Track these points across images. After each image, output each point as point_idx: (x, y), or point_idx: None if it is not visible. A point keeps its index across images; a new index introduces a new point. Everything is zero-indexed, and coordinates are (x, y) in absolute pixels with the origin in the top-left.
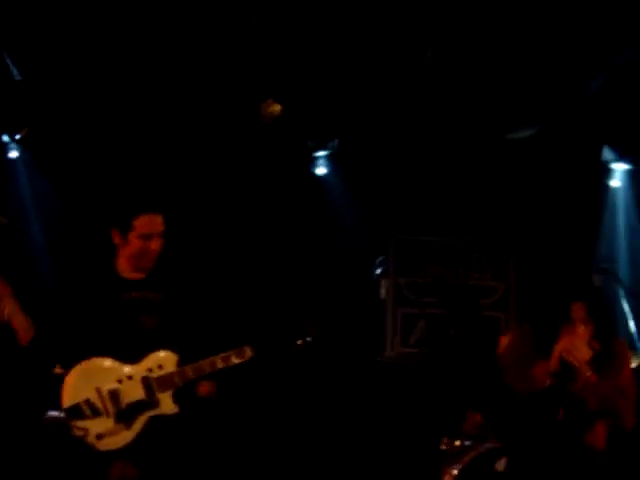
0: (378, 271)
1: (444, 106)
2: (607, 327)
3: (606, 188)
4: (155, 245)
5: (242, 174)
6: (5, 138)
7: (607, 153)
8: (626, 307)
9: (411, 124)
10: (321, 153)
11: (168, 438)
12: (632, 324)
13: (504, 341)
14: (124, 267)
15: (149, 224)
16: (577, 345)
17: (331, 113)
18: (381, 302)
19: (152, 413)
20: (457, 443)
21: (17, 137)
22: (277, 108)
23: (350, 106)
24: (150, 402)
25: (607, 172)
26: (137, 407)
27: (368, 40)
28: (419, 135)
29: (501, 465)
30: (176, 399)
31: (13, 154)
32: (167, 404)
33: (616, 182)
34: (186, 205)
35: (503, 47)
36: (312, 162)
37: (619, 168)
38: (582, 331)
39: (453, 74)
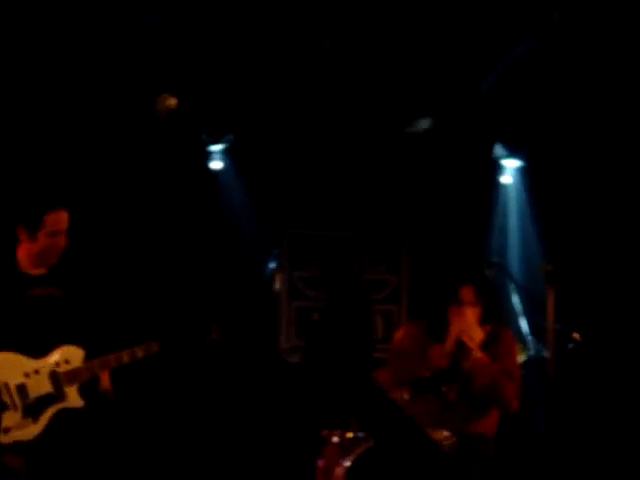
0: (272, 265)
1: (338, 100)
2: (495, 310)
3: (497, 184)
4: (62, 242)
5: (137, 169)
6: None
7: (498, 150)
8: (516, 302)
9: (306, 118)
10: (216, 147)
11: (74, 431)
12: (522, 319)
13: (398, 334)
14: (26, 263)
15: (57, 221)
16: (471, 326)
17: (226, 107)
18: (276, 296)
19: (59, 407)
20: (349, 435)
21: None
22: (172, 102)
23: (246, 100)
24: (57, 396)
25: (498, 169)
26: (44, 401)
27: (263, 33)
28: (314, 129)
29: None
30: (82, 393)
31: None
32: (74, 398)
33: (507, 178)
34: (86, 201)
35: (399, 43)
36: (207, 156)
37: (510, 165)
38: (471, 313)
39: (348, 68)
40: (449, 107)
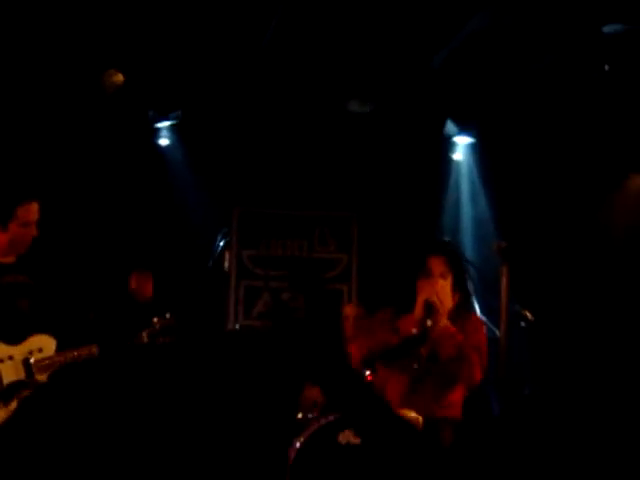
0: (221, 243)
1: (287, 76)
2: (463, 283)
3: (449, 161)
4: (32, 232)
5: (85, 147)
6: None
7: (450, 127)
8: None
9: (255, 95)
10: (164, 124)
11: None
12: (473, 298)
13: (348, 311)
14: None
15: (28, 213)
16: (441, 292)
17: (174, 83)
18: (225, 275)
19: (28, 394)
20: (299, 416)
21: None
22: (119, 78)
23: (193, 76)
24: (28, 383)
25: (450, 145)
26: (16, 387)
27: (210, 7)
28: (262, 107)
29: (345, 438)
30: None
31: None
32: None
33: (459, 155)
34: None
35: (348, 19)
36: (154, 133)
37: (461, 142)
38: (441, 285)
39: (297, 45)
40: (401, 83)
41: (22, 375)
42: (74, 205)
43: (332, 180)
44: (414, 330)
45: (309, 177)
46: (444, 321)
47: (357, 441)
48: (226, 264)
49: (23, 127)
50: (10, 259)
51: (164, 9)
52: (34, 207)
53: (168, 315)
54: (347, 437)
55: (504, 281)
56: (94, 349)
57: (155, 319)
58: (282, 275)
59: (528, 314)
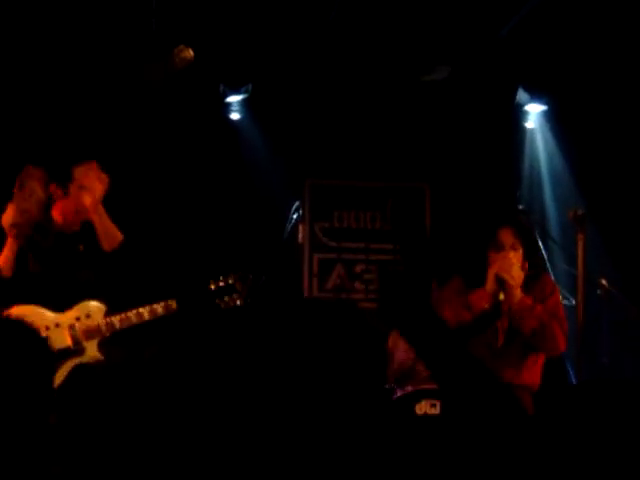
0: (294, 216)
1: (358, 48)
2: (535, 252)
3: (521, 130)
4: (93, 197)
5: (156, 122)
6: None
7: (521, 95)
8: (543, 251)
9: (326, 66)
10: (234, 98)
11: (91, 386)
12: (548, 266)
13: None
14: (60, 220)
15: (85, 174)
16: (512, 266)
17: (244, 57)
18: (299, 248)
19: (77, 361)
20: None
21: None
22: (189, 53)
23: (263, 49)
24: (76, 350)
25: (522, 114)
26: (63, 354)
27: None
28: (334, 77)
29: (422, 409)
30: (101, 348)
31: None
32: (92, 353)
33: (531, 124)
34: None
35: None
36: (225, 107)
37: (534, 110)
38: (512, 256)
39: (368, 13)
40: (470, 53)
41: (69, 342)
42: (145, 179)
43: (404, 150)
44: (486, 305)
45: (380, 148)
46: (518, 294)
47: (435, 412)
48: (300, 237)
49: (94, 96)
50: (76, 227)
51: None
52: (91, 168)
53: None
54: (424, 408)
55: (580, 248)
56: (173, 305)
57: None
58: (355, 247)
59: (604, 282)
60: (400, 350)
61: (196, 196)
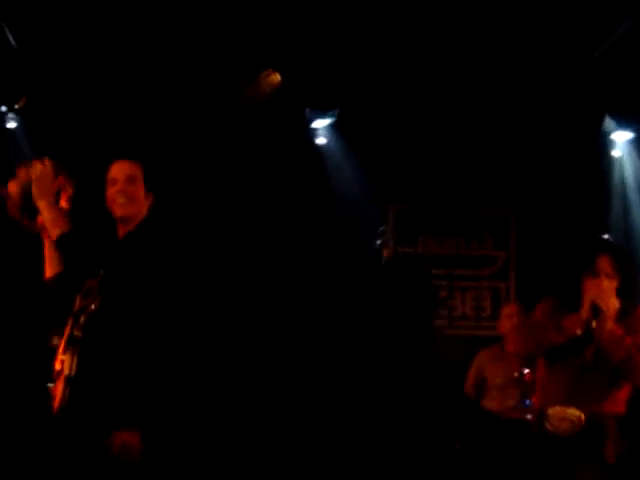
0: (379, 241)
1: (446, 74)
2: (631, 283)
3: (607, 158)
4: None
5: (242, 146)
6: (3, 108)
7: (608, 123)
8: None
9: (411, 91)
10: (321, 122)
11: None
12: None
13: (508, 310)
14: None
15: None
16: (607, 294)
17: (331, 82)
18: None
19: None
20: None
21: (15, 107)
22: (277, 78)
23: (351, 74)
24: None
25: (608, 142)
26: None
27: (368, 4)
28: (420, 103)
29: None
30: None
31: (11, 124)
32: None
33: (617, 152)
34: (187, 178)
35: (506, 14)
36: (311, 132)
37: (621, 138)
38: (607, 284)
39: (454, 44)
40: (558, 79)
41: None
42: (232, 202)
43: (488, 177)
44: (579, 331)
45: (465, 174)
46: (610, 324)
47: None
48: (384, 261)
49: (182, 123)
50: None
51: (318, 8)
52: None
53: None
54: None
55: None
56: None
57: None
58: (439, 273)
59: None
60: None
61: (281, 220)
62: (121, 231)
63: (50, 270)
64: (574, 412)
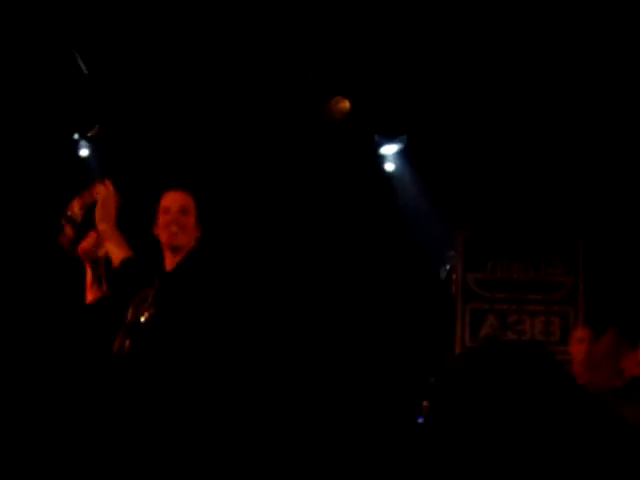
0: (447, 267)
1: (511, 98)
2: None
3: None
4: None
5: (311, 173)
6: (76, 136)
7: None
8: None
9: (479, 119)
10: (389, 149)
11: None
12: None
13: (578, 334)
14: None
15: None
16: None
17: (400, 108)
18: (451, 298)
19: None
20: None
21: (88, 135)
22: (346, 104)
23: (420, 100)
24: None
25: None
26: None
27: (437, 32)
28: (487, 130)
29: None
30: None
31: (84, 152)
32: None
33: None
34: (256, 205)
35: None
36: (380, 158)
37: None
38: None
39: (521, 68)
40: (624, 101)
41: None
42: (299, 229)
43: (556, 201)
44: (637, 371)
45: (533, 199)
46: None
47: None
48: (453, 287)
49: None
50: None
51: (388, 35)
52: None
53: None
54: None
55: None
56: None
57: None
58: (508, 297)
59: None
60: None
61: (350, 247)
62: (168, 260)
63: (90, 295)
64: None
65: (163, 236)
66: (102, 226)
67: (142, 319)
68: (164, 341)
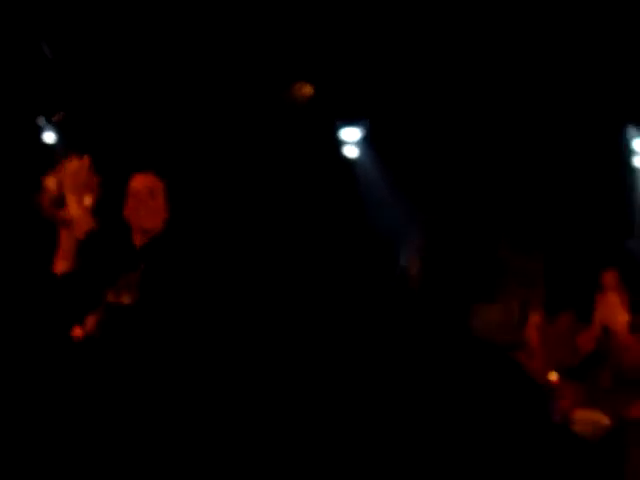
0: (408, 253)
1: (467, 81)
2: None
3: (630, 167)
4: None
5: (271, 157)
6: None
7: (630, 131)
8: None
9: (439, 102)
10: (351, 134)
11: None
12: None
13: (532, 320)
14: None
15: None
16: (614, 311)
17: (361, 94)
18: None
19: None
20: None
21: (53, 120)
22: (308, 90)
23: (381, 86)
24: None
25: (629, 151)
26: None
27: (402, 21)
28: (447, 117)
29: None
30: None
31: (49, 137)
32: None
33: (638, 161)
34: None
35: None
36: (342, 144)
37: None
38: (615, 298)
39: (481, 60)
40: (580, 88)
41: None
42: (259, 216)
43: (515, 186)
44: (592, 348)
45: (494, 182)
46: (622, 335)
47: None
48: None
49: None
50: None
51: (352, 23)
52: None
53: None
54: None
55: None
56: None
57: None
58: None
59: None
60: None
61: (311, 232)
62: (137, 241)
63: (61, 264)
64: (600, 416)
65: (131, 218)
66: (70, 197)
67: (125, 303)
68: (149, 326)
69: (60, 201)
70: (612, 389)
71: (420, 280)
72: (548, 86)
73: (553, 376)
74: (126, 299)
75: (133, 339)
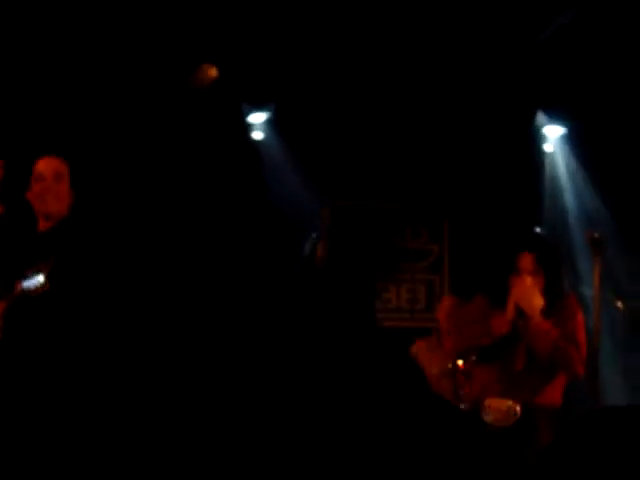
0: (314, 236)
1: (377, 69)
2: (556, 278)
3: (542, 153)
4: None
5: (177, 140)
6: None
7: (541, 118)
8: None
9: (348, 87)
10: (258, 117)
11: None
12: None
13: (443, 304)
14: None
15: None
16: (529, 294)
17: (268, 76)
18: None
19: None
20: None
21: None
22: (213, 72)
23: (287, 68)
24: None
25: (540, 137)
26: None
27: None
28: (355, 99)
29: None
30: None
31: None
32: None
33: (549, 147)
34: (123, 172)
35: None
36: (248, 127)
37: (552, 133)
38: (531, 282)
39: (388, 36)
40: (489, 74)
41: None
42: (164, 198)
43: (422, 172)
44: (505, 330)
45: (399, 169)
46: (536, 320)
47: None
48: (319, 251)
49: (116, 117)
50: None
51: (253, 3)
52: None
53: None
54: None
55: (596, 271)
56: None
57: None
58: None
59: (620, 303)
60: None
61: (216, 216)
62: (41, 225)
63: None
64: (510, 404)
65: (36, 202)
66: None
67: (34, 293)
68: (58, 315)
69: None
70: (524, 373)
71: (326, 260)
72: (458, 72)
73: (459, 362)
74: (35, 289)
75: (41, 328)
